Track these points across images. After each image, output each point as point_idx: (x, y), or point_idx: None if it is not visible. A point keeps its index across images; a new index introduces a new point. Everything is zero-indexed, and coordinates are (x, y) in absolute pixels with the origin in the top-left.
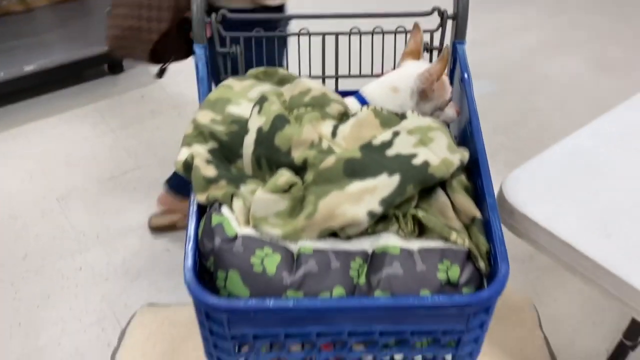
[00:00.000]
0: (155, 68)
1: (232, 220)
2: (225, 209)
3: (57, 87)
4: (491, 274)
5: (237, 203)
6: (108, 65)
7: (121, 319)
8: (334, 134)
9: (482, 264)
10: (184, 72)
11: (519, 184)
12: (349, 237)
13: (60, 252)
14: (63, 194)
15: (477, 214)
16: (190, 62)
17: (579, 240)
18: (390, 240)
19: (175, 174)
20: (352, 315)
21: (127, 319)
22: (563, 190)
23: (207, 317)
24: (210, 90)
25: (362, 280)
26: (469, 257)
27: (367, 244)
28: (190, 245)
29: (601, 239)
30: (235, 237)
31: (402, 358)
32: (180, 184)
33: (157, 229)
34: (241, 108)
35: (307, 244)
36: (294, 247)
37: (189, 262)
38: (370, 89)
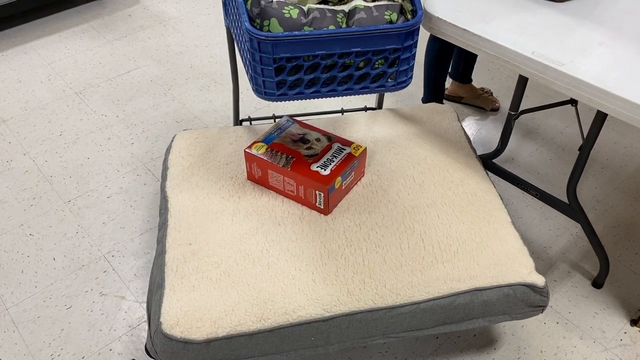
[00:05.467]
0: None
1: None
2: None
3: (51, 11)
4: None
5: None
6: None
7: (150, 167)
8: None
9: (408, 16)
10: None
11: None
12: (334, 4)
13: (89, 128)
14: (80, 89)
15: None
16: None
17: (469, 26)
18: (358, 2)
19: None
20: (339, 40)
21: (155, 166)
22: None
23: (258, 48)
24: None
25: (344, 24)
26: (402, 10)
27: (345, 7)
28: (242, 8)
29: (482, 24)
30: (271, 1)
31: (365, 72)
32: None
33: None
34: None
35: (311, 5)
36: (304, 7)
37: (245, 17)
38: None
